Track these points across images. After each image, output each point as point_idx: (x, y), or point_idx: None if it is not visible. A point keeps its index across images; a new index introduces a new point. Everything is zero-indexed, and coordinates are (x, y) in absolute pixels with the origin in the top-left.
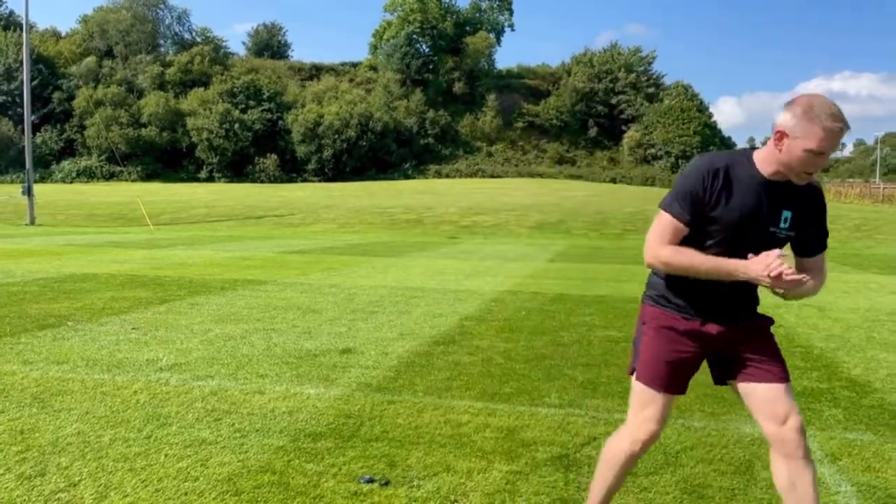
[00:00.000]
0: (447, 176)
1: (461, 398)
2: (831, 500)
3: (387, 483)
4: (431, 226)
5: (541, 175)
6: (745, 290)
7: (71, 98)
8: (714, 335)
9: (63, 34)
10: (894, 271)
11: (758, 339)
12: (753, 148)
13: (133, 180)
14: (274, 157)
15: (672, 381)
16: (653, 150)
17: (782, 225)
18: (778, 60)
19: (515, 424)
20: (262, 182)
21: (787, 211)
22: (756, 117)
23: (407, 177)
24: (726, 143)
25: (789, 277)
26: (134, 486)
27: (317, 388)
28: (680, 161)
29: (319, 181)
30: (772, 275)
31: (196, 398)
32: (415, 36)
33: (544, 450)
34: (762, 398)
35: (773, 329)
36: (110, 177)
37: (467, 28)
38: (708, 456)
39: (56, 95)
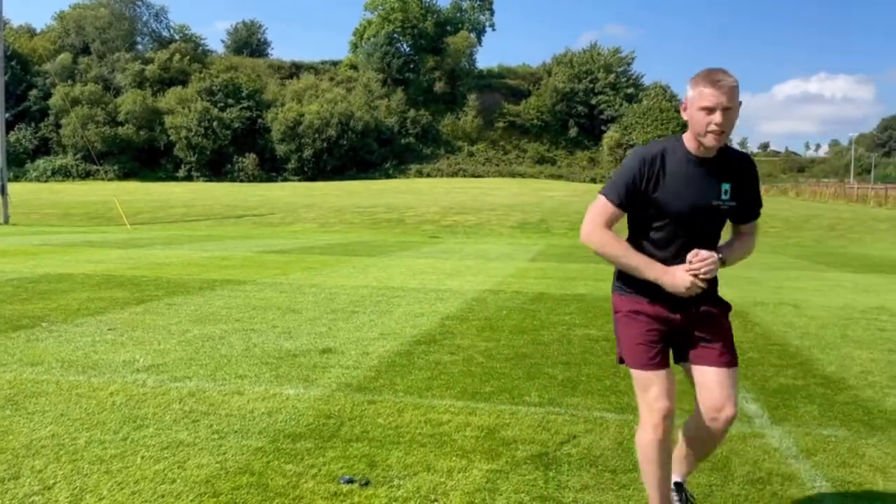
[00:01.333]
0: (428, 175)
1: (442, 398)
2: (806, 496)
3: (367, 483)
4: (413, 225)
5: (521, 175)
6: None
7: (47, 96)
8: (675, 317)
9: (38, 31)
10: (867, 270)
11: (712, 322)
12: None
13: (110, 179)
14: (253, 156)
15: (656, 357)
16: (632, 150)
17: (723, 197)
18: (754, 62)
19: (496, 423)
20: (241, 181)
21: (725, 183)
22: None
23: (388, 176)
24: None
25: (705, 275)
26: (110, 488)
27: (296, 388)
28: None
29: (299, 180)
30: (686, 287)
31: (173, 399)
32: (395, 35)
33: (524, 448)
34: (705, 382)
35: (750, 328)
36: (86, 175)
37: (448, 27)
38: None
39: (32, 93)
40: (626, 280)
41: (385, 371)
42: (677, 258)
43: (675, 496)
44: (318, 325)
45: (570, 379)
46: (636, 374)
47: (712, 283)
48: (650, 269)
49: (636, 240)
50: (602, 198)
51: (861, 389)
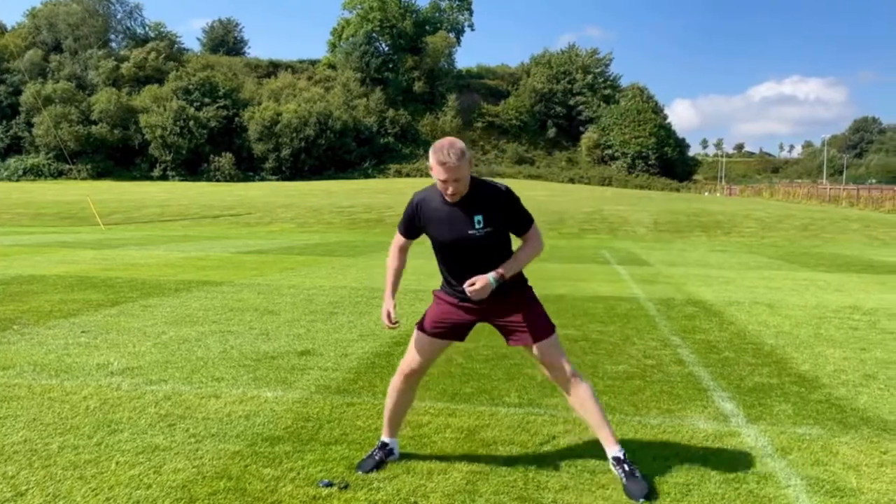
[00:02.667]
0: (408, 175)
1: (422, 399)
2: (781, 494)
3: (346, 486)
4: (392, 225)
5: (501, 175)
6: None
7: (17, 93)
8: (468, 308)
9: (9, 28)
10: (840, 269)
11: (514, 310)
12: None
13: (83, 179)
14: (230, 155)
15: (435, 328)
16: (610, 151)
17: (477, 227)
18: (730, 64)
19: (476, 424)
20: (217, 181)
21: (478, 215)
22: (710, 119)
23: (367, 176)
24: (681, 145)
25: (476, 296)
26: (84, 494)
27: (274, 391)
28: (636, 161)
29: (277, 180)
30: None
31: (149, 403)
32: (374, 34)
33: (504, 449)
34: (537, 354)
35: (725, 327)
36: (59, 175)
37: (427, 27)
38: (664, 452)
39: (1, 90)
40: (443, 283)
41: (364, 373)
42: (464, 274)
43: (615, 467)
44: (296, 327)
45: (549, 381)
46: (417, 334)
47: (505, 284)
48: (386, 294)
49: (439, 261)
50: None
51: (834, 388)
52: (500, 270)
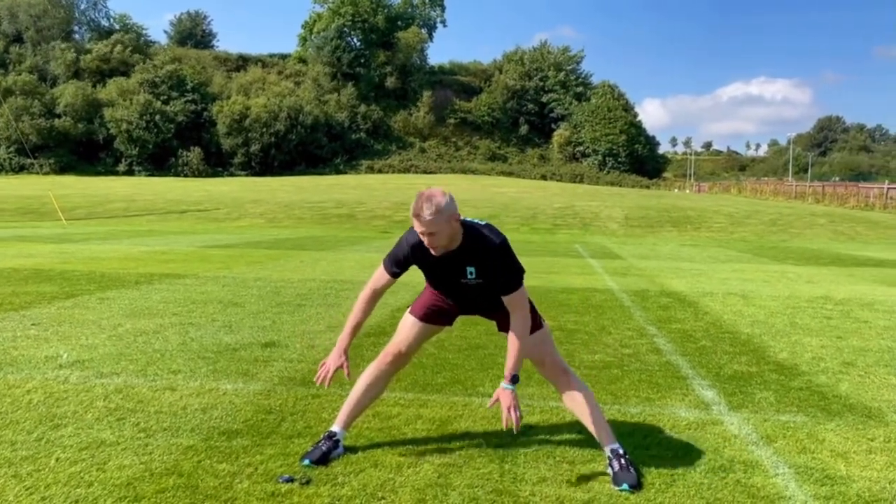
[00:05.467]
0: (380, 171)
1: (391, 390)
2: (770, 483)
3: (308, 482)
4: (364, 220)
5: (473, 171)
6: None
7: None
8: (452, 305)
9: None
10: (808, 262)
11: (503, 307)
12: None
13: (45, 173)
14: (198, 149)
15: (424, 312)
16: (581, 148)
17: (469, 276)
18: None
19: (448, 415)
20: (185, 176)
21: (470, 266)
22: (679, 118)
23: (338, 172)
24: (651, 142)
25: (518, 421)
26: (17, 494)
27: (235, 383)
28: (607, 159)
29: (247, 175)
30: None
31: (97, 396)
32: (346, 29)
33: (478, 441)
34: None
35: (701, 316)
36: (20, 169)
37: (399, 22)
38: (645, 442)
39: None
40: None
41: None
42: (459, 302)
43: (612, 460)
44: (261, 319)
45: (525, 369)
46: (404, 316)
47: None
48: (340, 338)
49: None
50: (380, 265)
51: (814, 375)
52: (511, 373)
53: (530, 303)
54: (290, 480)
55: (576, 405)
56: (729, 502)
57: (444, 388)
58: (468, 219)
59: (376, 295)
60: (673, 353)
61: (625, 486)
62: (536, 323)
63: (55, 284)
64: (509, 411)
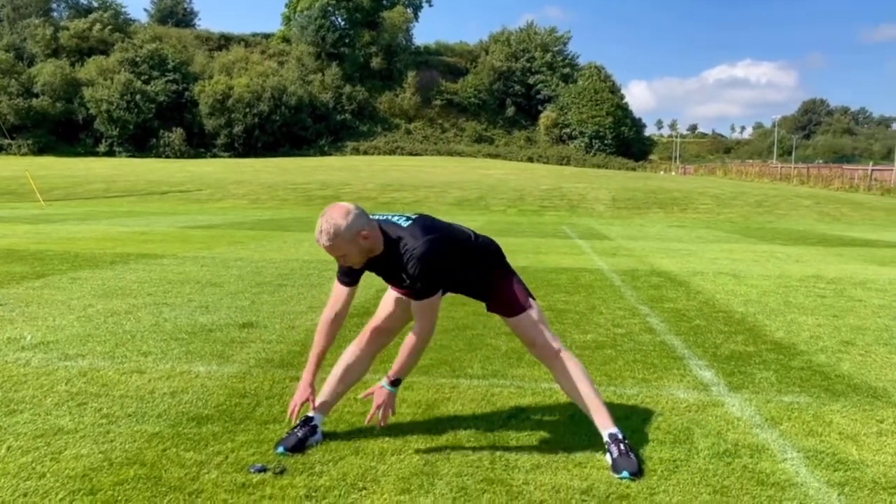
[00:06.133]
0: (365, 153)
1: (374, 372)
2: (779, 469)
3: (282, 471)
4: (349, 202)
5: (460, 153)
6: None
7: None
8: None
9: None
10: (796, 242)
11: (489, 285)
12: None
13: (23, 154)
14: (180, 130)
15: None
16: (568, 130)
17: (406, 282)
18: (685, 48)
19: (435, 398)
20: (167, 157)
21: (402, 272)
22: (665, 101)
23: (323, 153)
24: (637, 125)
25: (385, 418)
26: None
27: (208, 365)
28: (594, 141)
29: (230, 157)
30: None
31: (59, 380)
32: (330, 8)
33: (467, 425)
34: (512, 329)
35: (693, 295)
36: None
37: (384, 2)
38: (644, 426)
39: None
40: None
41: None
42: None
43: (610, 445)
44: (240, 299)
45: (515, 350)
46: (388, 290)
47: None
48: (305, 371)
49: None
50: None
51: (813, 354)
52: (395, 376)
53: (521, 283)
54: (263, 470)
55: (571, 387)
56: (737, 490)
57: (430, 370)
58: (398, 220)
59: (339, 316)
60: (667, 333)
61: (625, 473)
62: (523, 304)
63: (26, 264)
64: (378, 409)
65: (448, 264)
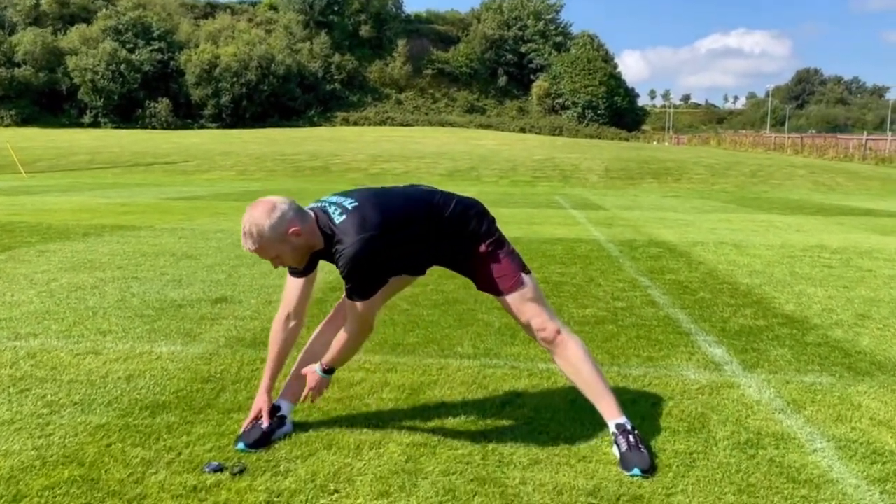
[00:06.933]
0: (355, 124)
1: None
2: (810, 462)
3: (242, 471)
4: (338, 173)
5: (451, 124)
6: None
7: None
8: None
9: None
10: (794, 212)
11: (477, 260)
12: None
13: (6, 125)
14: (166, 100)
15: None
16: (560, 100)
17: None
18: (678, 16)
19: (421, 381)
20: (153, 128)
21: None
22: (658, 72)
23: (312, 124)
24: (630, 94)
25: (317, 396)
26: None
27: (172, 345)
28: (586, 111)
29: (217, 128)
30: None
31: (4, 363)
32: None
33: (456, 412)
34: (506, 308)
35: (695, 267)
36: None
37: None
38: (654, 411)
39: None
40: None
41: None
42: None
43: (618, 437)
44: (215, 273)
45: (509, 326)
46: None
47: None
48: (265, 372)
49: None
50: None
51: (829, 329)
52: (327, 365)
53: (514, 254)
54: (220, 469)
55: (573, 371)
56: (766, 489)
57: (416, 349)
58: (335, 211)
59: (296, 314)
60: (671, 306)
61: (636, 470)
62: (515, 281)
63: None
64: (311, 390)
65: (386, 261)
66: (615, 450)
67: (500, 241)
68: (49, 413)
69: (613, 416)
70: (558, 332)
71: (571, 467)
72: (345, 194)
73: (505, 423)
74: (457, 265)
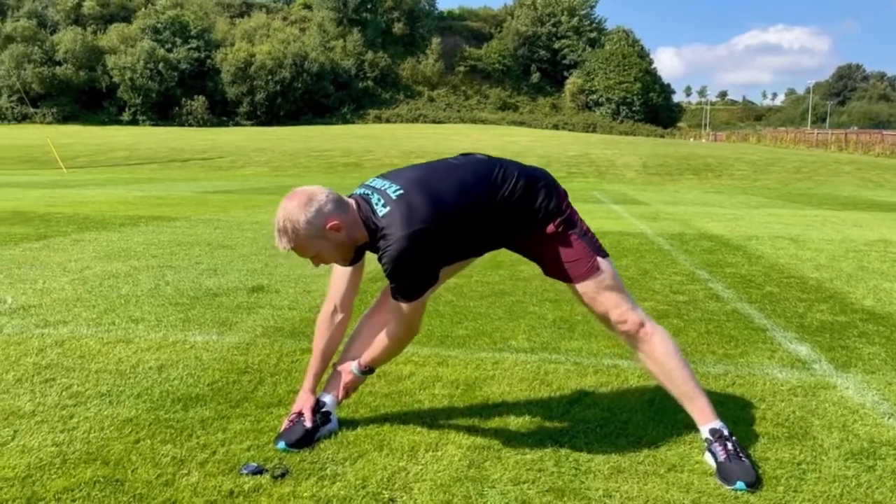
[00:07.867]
0: (388, 121)
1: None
2: None
3: (284, 474)
4: (372, 169)
5: (483, 121)
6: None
7: None
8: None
9: None
10: (845, 208)
11: (540, 244)
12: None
13: (48, 123)
14: (202, 98)
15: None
16: (594, 97)
17: None
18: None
19: (475, 376)
20: (189, 125)
21: None
22: (694, 69)
23: (345, 121)
24: (666, 90)
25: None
26: None
27: (207, 334)
28: (621, 108)
29: (252, 125)
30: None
31: (30, 351)
32: None
33: (518, 411)
34: (578, 298)
35: (755, 260)
36: (23, 119)
37: None
38: (745, 415)
39: None
40: None
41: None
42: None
43: (713, 444)
44: (251, 262)
45: (564, 319)
46: None
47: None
48: (308, 369)
49: None
50: None
51: None
52: (364, 364)
53: (588, 235)
54: (259, 472)
55: (660, 369)
56: None
57: (467, 342)
58: (378, 201)
59: (343, 306)
60: (737, 301)
61: (740, 484)
62: (588, 266)
63: (31, 226)
64: (344, 388)
65: (437, 257)
66: (709, 458)
67: (572, 220)
68: (74, 405)
69: (707, 421)
70: (642, 325)
71: (661, 477)
72: (390, 177)
73: (576, 424)
74: (520, 248)
